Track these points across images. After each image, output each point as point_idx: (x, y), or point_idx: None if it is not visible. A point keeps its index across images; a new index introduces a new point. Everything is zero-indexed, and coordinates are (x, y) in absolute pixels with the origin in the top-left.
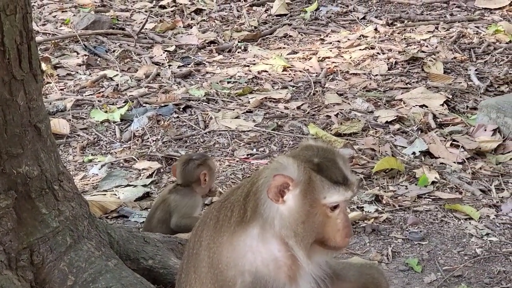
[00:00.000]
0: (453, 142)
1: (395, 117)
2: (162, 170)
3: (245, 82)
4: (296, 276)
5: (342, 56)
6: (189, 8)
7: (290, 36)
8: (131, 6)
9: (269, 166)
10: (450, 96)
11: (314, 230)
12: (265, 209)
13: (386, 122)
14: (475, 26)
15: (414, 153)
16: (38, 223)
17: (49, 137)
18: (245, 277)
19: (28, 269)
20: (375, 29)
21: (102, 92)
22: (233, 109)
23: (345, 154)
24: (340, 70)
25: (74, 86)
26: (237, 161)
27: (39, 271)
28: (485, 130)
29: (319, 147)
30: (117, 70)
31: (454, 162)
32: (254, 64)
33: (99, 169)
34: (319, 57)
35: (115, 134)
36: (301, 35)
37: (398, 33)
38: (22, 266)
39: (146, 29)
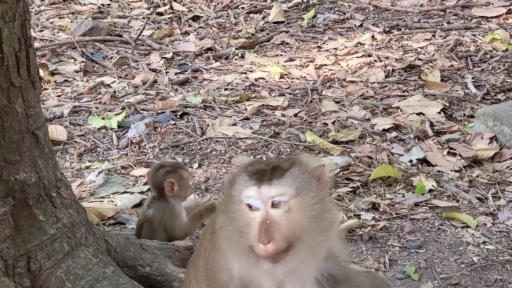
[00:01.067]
0: (450, 150)
1: (392, 125)
2: None
3: (242, 89)
4: (282, 283)
5: (339, 64)
6: (186, 15)
7: (287, 43)
8: (129, 13)
9: None
10: (447, 104)
11: (240, 230)
12: None
13: (383, 129)
14: (472, 34)
15: (411, 161)
16: (36, 230)
17: (47, 144)
18: (236, 282)
19: (25, 276)
20: (372, 37)
21: (100, 98)
22: (230, 116)
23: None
24: (337, 78)
25: (71, 92)
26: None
27: (36, 278)
28: (482, 138)
29: (286, 158)
30: (114, 77)
31: (451, 170)
32: (251, 71)
33: (96, 176)
34: (316, 65)
35: (112, 141)
36: (298, 42)
37: (395, 41)
38: (19, 273)
39: (143, 36)
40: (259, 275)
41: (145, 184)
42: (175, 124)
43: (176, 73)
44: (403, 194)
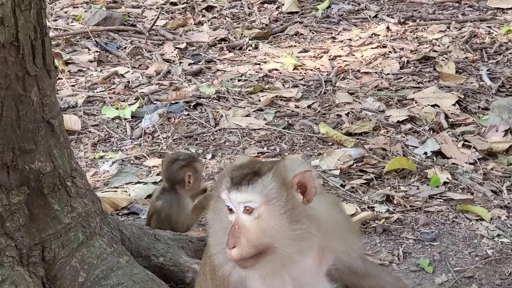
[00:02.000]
0: (465, 143)
1: (407, 117)
2: None
3: (256, 80)
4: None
5: (353, 55)
6: (200, 5)
7: (301, 34)
8: (143, 3)
9: None
10: (462, 96)
11: (223, 230)
12: None
13: (398, 121)
14: (487, 26)
15: (425, 153)
16: (50, 219)
17: (62, 133)
18: (231, 279)
19: (40, 265)
20: (387, 28)
21: (113, 88)
22: (244, 107)
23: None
24: (351, 69)
25: (85, 82)
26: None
27: (51, 267)
28: (497, 130)
29: (273, 161)
30: (128, 67)
31: (466, 163)
32: (265, 62)
33: (110, 166)
34: (330, 56)
35: (126, 131)
36: (312, 33)
37: (410, 32)
38: (34, 262)
39: (157, 26)
40: (251, 276)
41: (158, 174)
42: (188, 114)
43: (189, 64)
44: (417, 186)
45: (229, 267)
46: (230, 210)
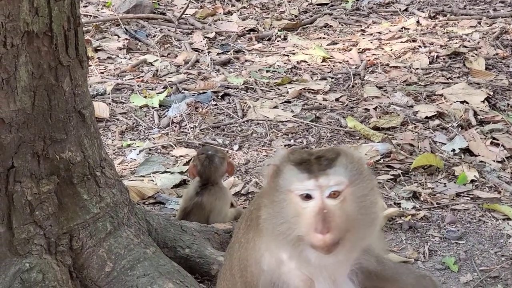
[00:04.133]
0: (493, 140)
1: (435, 113)
2: None
3: (284, 72)
4: (312, 280)
5: (382, 48)
6: None
7: (331, 26)
8: None
9: None
10: (491, 93)
11: (289, 221)
12: None
13: (426, 117)
14: None
15: (453, 150)
16: (79, 209)
17: (93, 123)
18: (265, 277)
19: (67, 254)
20: (417, 22)
21: (142, 77)
22: (272, 99)
23: (359, 155)
24: (380, 63)
25: (114, 69)
26: (274, 151)
27: (78, 256)
28: None
29: (328, 148)
30: (157, 55)
31: (494, 161)
32: (294, 53)
33: (137, 154)
34: (359, 49)
35: (154, 120)
36: (342, 25)
37: (440, 27)
38: (62, 251)
39: (186, 14)
40: (287, 272)
41: (185, 164)
42: (216, 105)
43: (218, 53)
44: (444, 183)
45: (309, 254)
46: (307, 197)
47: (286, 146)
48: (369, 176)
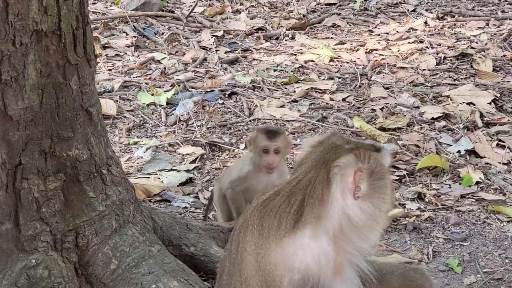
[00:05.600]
0: (499, 142)
1: (441, 114)
2: (205, 156)
3: (292, 71)
4: (342, 270)
5: (390, 49)
6: None
7: (339, 26)
8: None
9: (317, 166)
10: (498, 95)
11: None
12: (331, 210)
13: (432, 118)
14: None
15: (459, 151)
16: (85, 206)
17: (99, 121)
18: (294, 275)
19: (73, 251)
20: (425, 23)
21: (150, 74)
22: (279, 98)
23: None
24: (387, 63)
25: (122, 67)
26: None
27: (84, 253)
28: None
29: (344, 136)
30: (165, 53)
31: (499, 163)
32: (301, 53)
33: (144, 152)
34: (366, 49)
35: (161, 118)
36: (350, 25)
37: (448, 28)
38: (67, 248)
39: (195, 12)
40: (325, 265)
41: (192, 162)
42: (223, 103)
43: (226, 52)
44: (449, 185)
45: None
46: None
47: (293, 146)
48: None
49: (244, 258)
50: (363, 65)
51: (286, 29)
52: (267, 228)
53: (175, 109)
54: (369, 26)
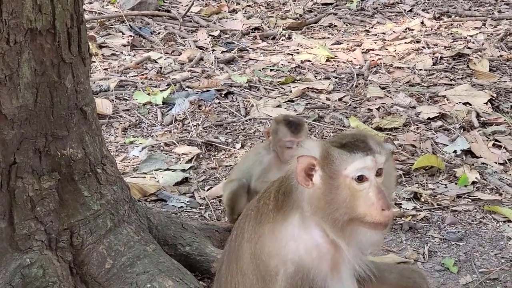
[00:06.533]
0: (495, 142)
1: (438, 114)
2: (201, 155)
3: (288, 71)
4: (338, 265)
5: (386, 49)
6: None
7: (335, 26)
8: None
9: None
10: (495, 95)
11: (344, 207)
12: (298, 195)
13: (428, 118)
14: None
15: (455, 151)
16: (80, 206)
17: (94, 120)
18: (288, 267)
19: (68, 250)
20: (422, 23)
21: (146, 74)
22: (275, 98)
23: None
24: (383, 63)
25: (118, 66)
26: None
27: (78, 252)
28: None
29: (351, 133)
30: (161, 53)
31: (496, 163)
32: (298, 53)
33: (140, 152)
34: (363, 49)
35: (157, 117)
36: (346, 25)
37: (445, 28)
38: (62, 247)
39: (191, 12)
40: (318, 258)
41: (187, 162)
42: (219, 103)
43: (222, 52)
44: (445, 185)
45: (361, 235)
46: (360, 179)
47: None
48: (389, 152)
49: (241, 245)
50: (360, 65)
51: (283, 29)
52: (261, 209)
53: (171, 108)
54: (365, 26)
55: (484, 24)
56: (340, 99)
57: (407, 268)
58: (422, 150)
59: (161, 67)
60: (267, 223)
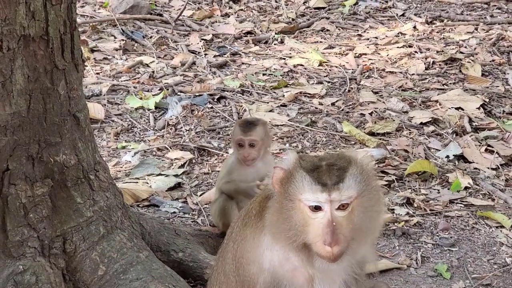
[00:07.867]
0: (488, 147)
1: (430, 119)
2: (194, 160)
3: (281, 75)
4: (313, 280)
5: (379, 53)
6: None
7: (328, 30)
8: None
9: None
10: (487, 100)
11: (296, 229)
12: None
13: (421, 123)
14: None
15: (448, 156)
16: (73, 212)
17: (87, 126)
18: (265, 276)
19: (61, 257)
20: (414, 27)
21: (138, 78)
22: (268, 102)
23: (368, 162)
24: (376, 68)
25: (110, 70)
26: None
27: (71, 259)
28: None
29: (336, 157)
30: (153, 57)
31: (488, 168)
32: (290, 57)
33: (132, 157)
34: (355, 53)
35: (149, 122)
36: (339, 29)
37: (437, 32)
38: (55, 254)
39: (183, 16)
40: (291, 270)
41: (180, 167)
42: (212, 107)
43: (215, 56)
44: (438, 190)
45: (314, 259)
46: (317, 208)
47: (281, 150)
48: (376, 185)
49: (228, 244)
50: (352, 69)
51: (275, 33)
52: (248, 216)
53: (164, 113)
54: (358, 30)
55: (476, 29)
56: (332, 104)
57: (379, 282)
58: (414, 155)
59: (153, 71)
60: (249, 227)
